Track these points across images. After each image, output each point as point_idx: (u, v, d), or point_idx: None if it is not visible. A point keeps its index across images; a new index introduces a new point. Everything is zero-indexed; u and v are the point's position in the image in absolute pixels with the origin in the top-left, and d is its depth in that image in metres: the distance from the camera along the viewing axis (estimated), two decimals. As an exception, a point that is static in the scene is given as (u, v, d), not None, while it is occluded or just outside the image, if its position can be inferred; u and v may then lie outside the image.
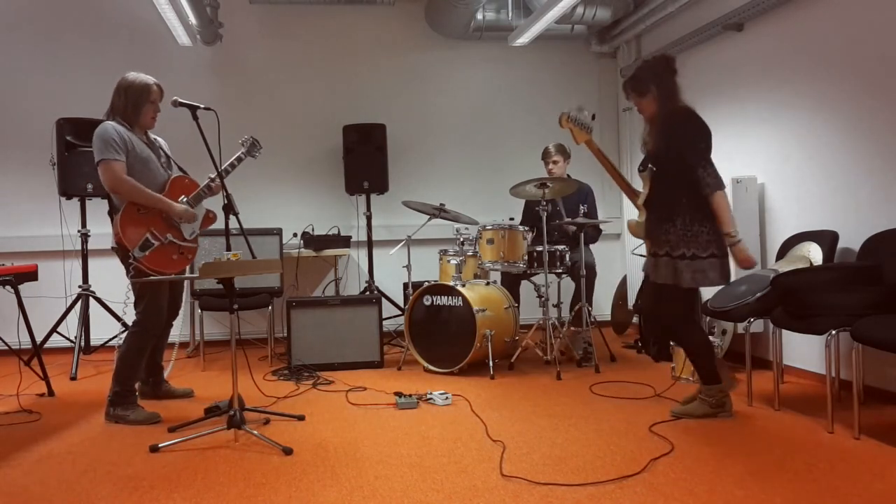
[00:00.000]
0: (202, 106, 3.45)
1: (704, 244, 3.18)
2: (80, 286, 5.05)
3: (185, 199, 3.60)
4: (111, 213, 3.52)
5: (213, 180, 3.65)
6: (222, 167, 3.60)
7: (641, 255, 3.46)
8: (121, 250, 3.47)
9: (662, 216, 3.27)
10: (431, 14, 5.98)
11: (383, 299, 5.10)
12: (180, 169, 3.73)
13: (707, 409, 3.30)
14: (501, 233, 4.59)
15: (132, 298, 3.57)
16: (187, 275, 3.84)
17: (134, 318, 3.58)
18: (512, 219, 5.33)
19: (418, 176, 6.19)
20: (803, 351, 4.09)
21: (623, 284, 5.81)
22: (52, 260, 5.40)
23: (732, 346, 4.33)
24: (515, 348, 4.61)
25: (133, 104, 3.52)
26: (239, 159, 3.72)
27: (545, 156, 5.19)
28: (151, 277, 3.41)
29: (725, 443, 2.94)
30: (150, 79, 3.57)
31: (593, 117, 3.67)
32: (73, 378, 4.55)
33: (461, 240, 4.78)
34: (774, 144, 4.37)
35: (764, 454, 2.79)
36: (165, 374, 4.02)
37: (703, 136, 3.22)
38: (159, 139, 3.75)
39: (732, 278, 3.48)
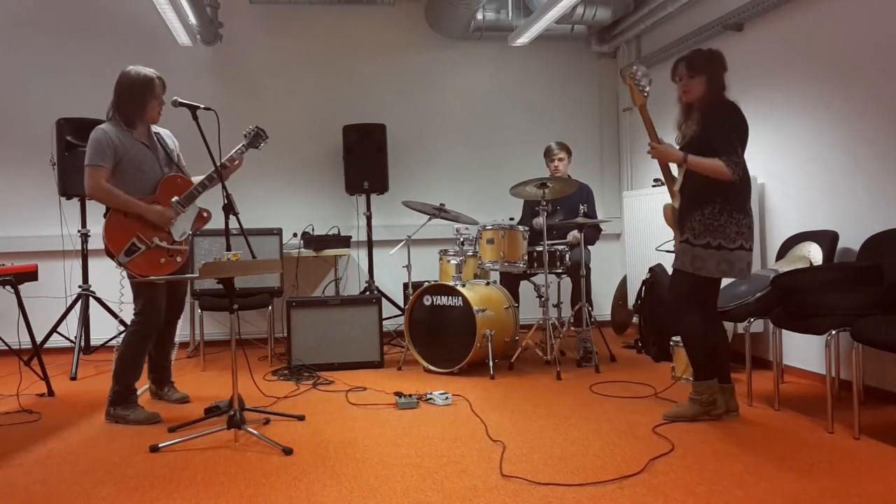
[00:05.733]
0: (202, 106, 3.43)
1: (733, 236, 3.15)
2: (80, 286, 5.05)
3: (176, 199, 3.56)
4: (105, 216, 3.51)
5: (209, 179, 3.58)
6: (223, 160, 3.55)
7: (668, 251, 3.35)
8: (108, 255, 3.47)
9: (693, 205, 3.23)
10: (431, 14, 5.98)
11: (383, 299, 5.10)
12: (178, 167, 3.70)
13: (699, 409, 3.28)
14: (501, 233, 4.59)
15: (125, 297, 3.54)
16: (187, 275, 3.82)
17: (132, 317, 3.58)
18: (512, 219, 5.33)
19: (418, 176, 6.19)
20: (803, 351, 4.09)
21: (623, 284, 5.81)
22: (52, 260, 5.41)
23: (732, 346, 4.31)
24: (515, 348, 4.61)
25: (140, 101, 3.50)
26: (240, 151, 3.62)
27: (548, 154, 5.17)
28: (150, 278, 3.41)
29: (725, 443, 2.95)
30: (151, 72, 3.54)
31: (649, 82, 3.43)
32: (73, 378, 4.55)
33: (461, 240, 4.77)
34: (774, 144, 4.36)
35: (764, 454, 2.79)
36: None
37: (737, 129, 3.19)
38: (161, 133, 3.71)
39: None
